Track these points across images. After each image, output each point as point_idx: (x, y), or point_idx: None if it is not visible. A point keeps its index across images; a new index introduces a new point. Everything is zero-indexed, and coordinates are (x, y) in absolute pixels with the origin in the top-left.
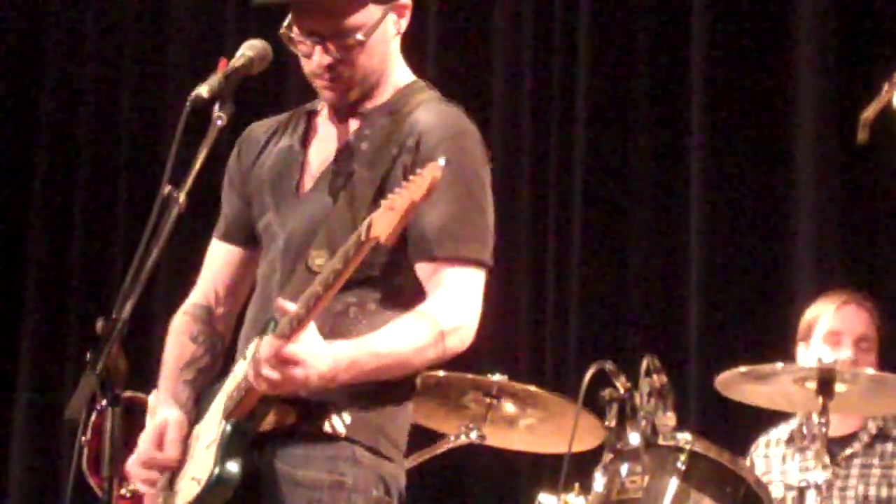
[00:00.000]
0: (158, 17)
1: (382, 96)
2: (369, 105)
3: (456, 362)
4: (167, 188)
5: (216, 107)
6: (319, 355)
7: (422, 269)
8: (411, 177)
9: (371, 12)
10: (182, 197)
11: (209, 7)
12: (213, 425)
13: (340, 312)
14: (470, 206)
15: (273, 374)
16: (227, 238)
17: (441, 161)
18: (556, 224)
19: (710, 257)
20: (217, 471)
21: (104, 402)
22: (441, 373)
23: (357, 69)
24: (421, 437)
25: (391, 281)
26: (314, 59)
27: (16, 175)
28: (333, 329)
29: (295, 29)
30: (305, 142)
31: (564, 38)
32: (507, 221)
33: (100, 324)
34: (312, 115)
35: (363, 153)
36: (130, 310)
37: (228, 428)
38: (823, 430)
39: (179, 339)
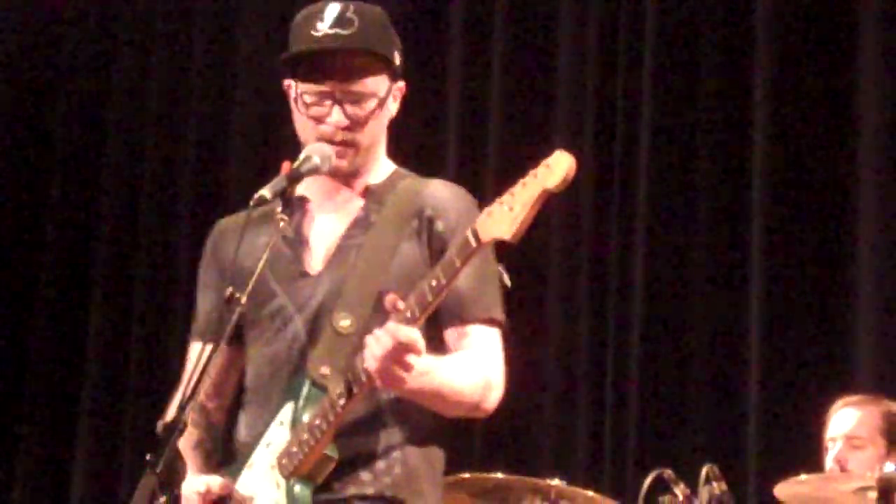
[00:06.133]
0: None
1: (380, 175)
2: (371, 183)
3: (515, 465)
4: (229, 290)
5: (279, 209)
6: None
7: (453, 332)
8: (533, 171)
9: (383, 82)
10: (244, 300)
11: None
12: (265, 490)
13: (346, 370)
14: (489, 272)
15: (405, 358)
16: (202, 337)
17: (564, 154)
18: (615, 326)
19: (770, 365)
20: None
21: (162, 502)
22: (499, 475)
23: (366, 135)
24: None
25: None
26: (332, 120)
27: (77, 253)
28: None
29: (310, 90)
30: (300, 227)
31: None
32: (567, 322)
33: (160, 425)
34: (302, 201)
35: (374, 224)
36: (190, 412)
37: (298, 487)
38: None
39: (186, 453)
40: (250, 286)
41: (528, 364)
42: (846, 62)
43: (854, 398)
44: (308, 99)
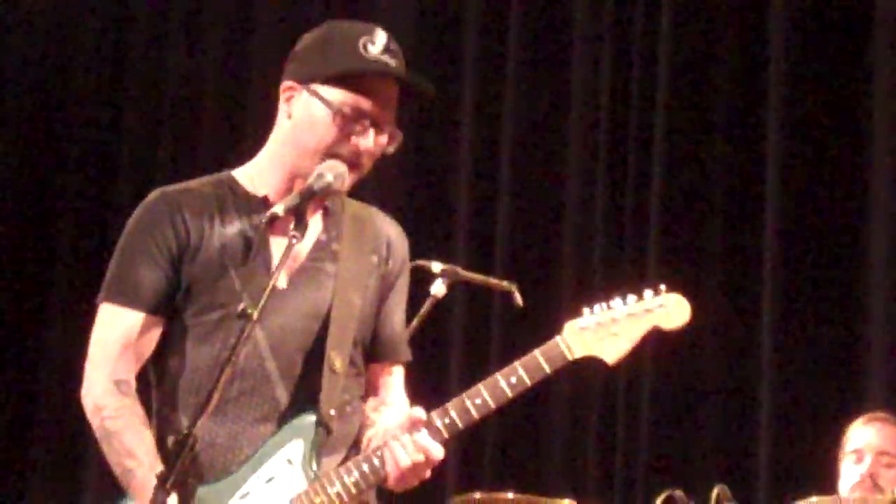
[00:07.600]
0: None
1: None
2: (327, 203)
3: (525, 485)
4: (241, 305)
5: (291, 226)
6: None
7: (381, 367)
8: (642, 303)
9: None
10: (256, 315)
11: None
12: None
13: (340, 409)
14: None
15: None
16: (147, 308)
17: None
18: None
19: (782, 386)
20: None
21: None
22: (510, 495)
23: (371, 163)
24: None
25: (363, 376)
26: (365, 143)
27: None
28: (339, 427)
29: (353, 105)
30: (265, 231)
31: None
32: None
33: (171, 439)
34: (266, 202)
35: (338, 254)
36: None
37: None
38: None
39: (134, 424)
40: (262, 302)
41: (539, 383)
42: (860, 71)
43: (881, 414)
44: (347, 112)
